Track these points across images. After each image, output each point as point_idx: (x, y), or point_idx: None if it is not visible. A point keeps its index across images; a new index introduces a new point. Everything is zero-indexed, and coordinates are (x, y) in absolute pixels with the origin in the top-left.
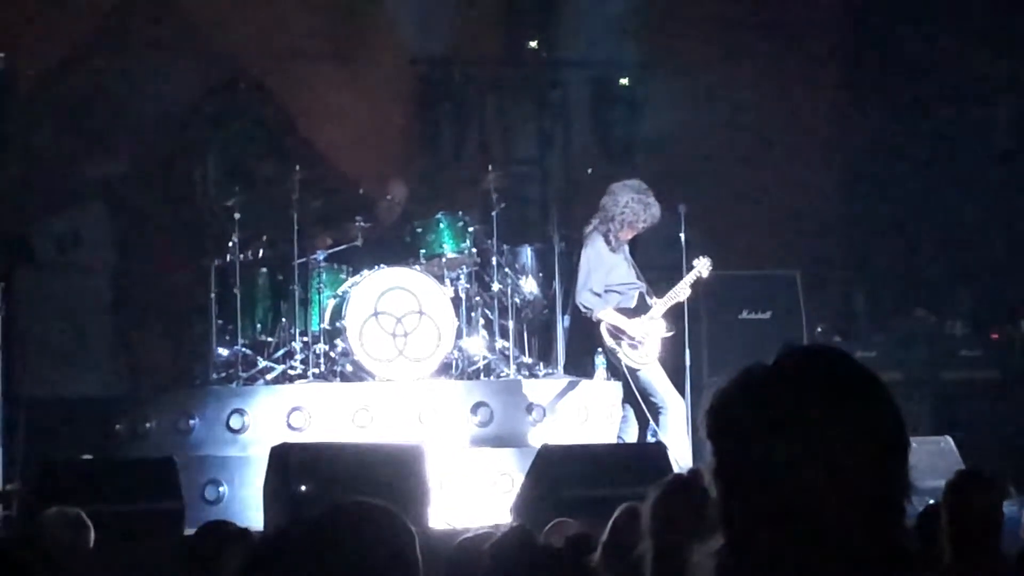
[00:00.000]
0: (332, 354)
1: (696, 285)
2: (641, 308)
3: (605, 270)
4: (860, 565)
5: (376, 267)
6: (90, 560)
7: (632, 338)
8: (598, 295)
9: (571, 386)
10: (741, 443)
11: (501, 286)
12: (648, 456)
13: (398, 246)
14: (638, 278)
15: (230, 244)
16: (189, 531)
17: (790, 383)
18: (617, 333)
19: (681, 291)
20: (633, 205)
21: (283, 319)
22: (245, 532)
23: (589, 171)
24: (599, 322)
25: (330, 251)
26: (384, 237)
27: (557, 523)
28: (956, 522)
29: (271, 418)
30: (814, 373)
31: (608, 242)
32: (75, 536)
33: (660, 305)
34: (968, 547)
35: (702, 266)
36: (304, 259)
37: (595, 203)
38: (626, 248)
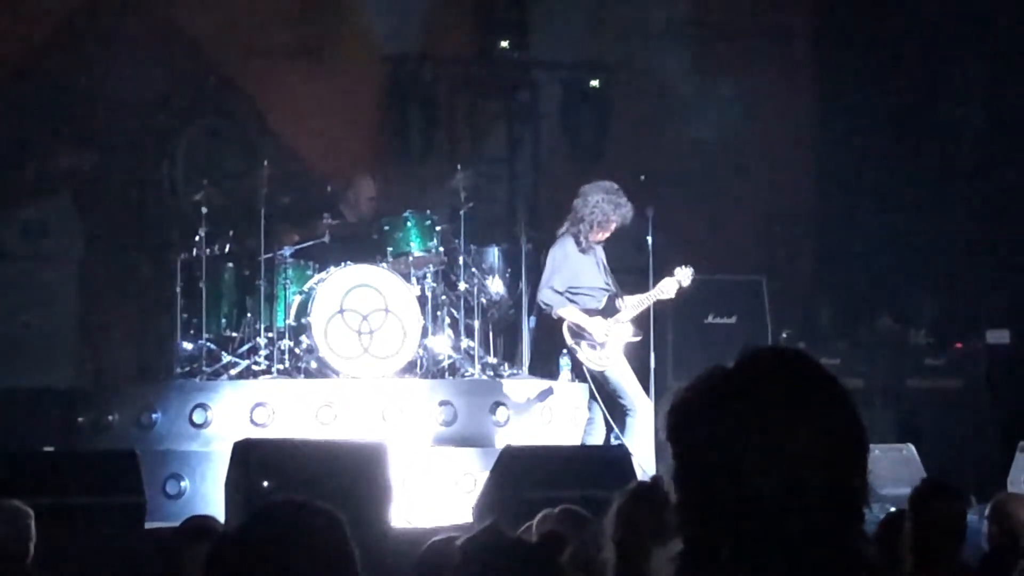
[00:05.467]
0: (297, 350)
1: (679, 293)
2: (610, 311)
3: (572, 271)
4: (818, 569)
5: (343, 264)
6: (31, 552)
7: (593, 338)
8: (559, 293)
9: (535, 387)
10: (700, 446)
11: (468, 285)
12: (611, 459)
13: (365, 244)
14: (610, 282)
15: (196, 238)
16: (150, 525)
17: (750, 385)
18: (578, 332)
19: (652, 297)
20: (603, 205)
21: (248, 314)
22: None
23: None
24: (561, 321)
25: (297, 247)
26: (351, 234)
27: (544, 515)
28: (920, 530)
29: (234, 413)
30: (775, 375)
31: (579, 243)
32: (15, 529)
33: (628, 309)
34: (931, 555)
35: (683, 276)
36: (271, 255)
37: (563, 204)
38: (598, 251)
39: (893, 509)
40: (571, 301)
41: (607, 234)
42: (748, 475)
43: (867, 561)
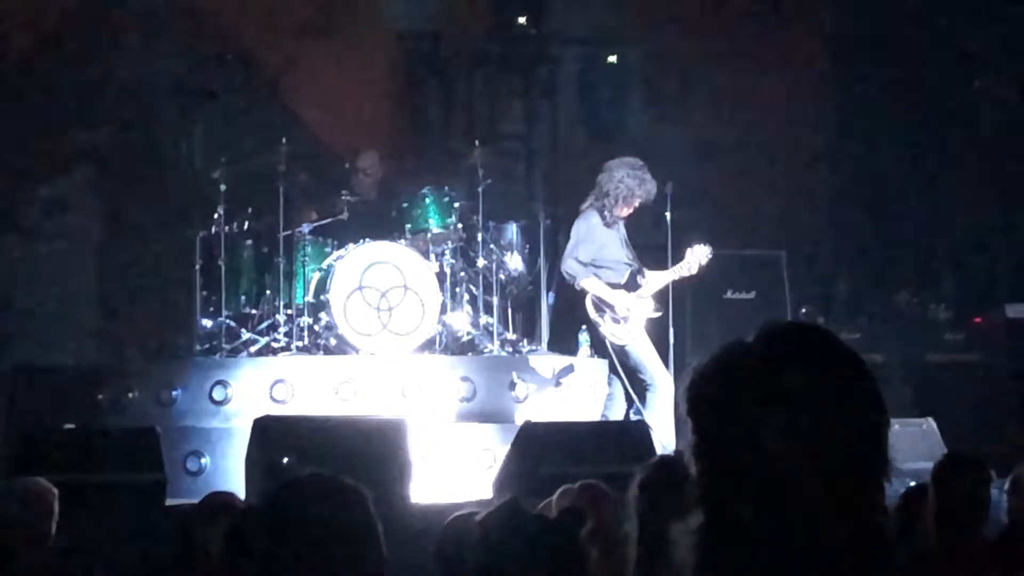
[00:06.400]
0: (316, 327)
1: (700, 270)
2: (632, 286)
3: (596, 244)
4: (838, 542)
5: (361, 241)
6: (52, 531)
7: (615, 312)
8: (583, 264)
9: (555, 363)
10: (720, 420)
11: (486, 262)
12: (630, 435)
13: (384, 221)
14: (632, 258)
15: (215, 216)
16: (170, 502)
17: (770, 359)
18: (600, 305)
19: (674, 274)
20: (628, 181)
21: (267, 291)
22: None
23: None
24: (584, 294)
25: (315, 224)
26: (370, 211)
27: (564, 491)
28: (943, 504)
29: (254, 390)
30: (794, 350)
31: (603, 218)
32: (43, 507)
33: (650, 285)
34: (953, 529)
35: (701, 253)
36: (289, 232)
37: (581, 180)
38: (621, 226)
39: (913, 483)
40: (594, 274)
41: (631, 210)
42: (768, 450)
43: (885, 534)
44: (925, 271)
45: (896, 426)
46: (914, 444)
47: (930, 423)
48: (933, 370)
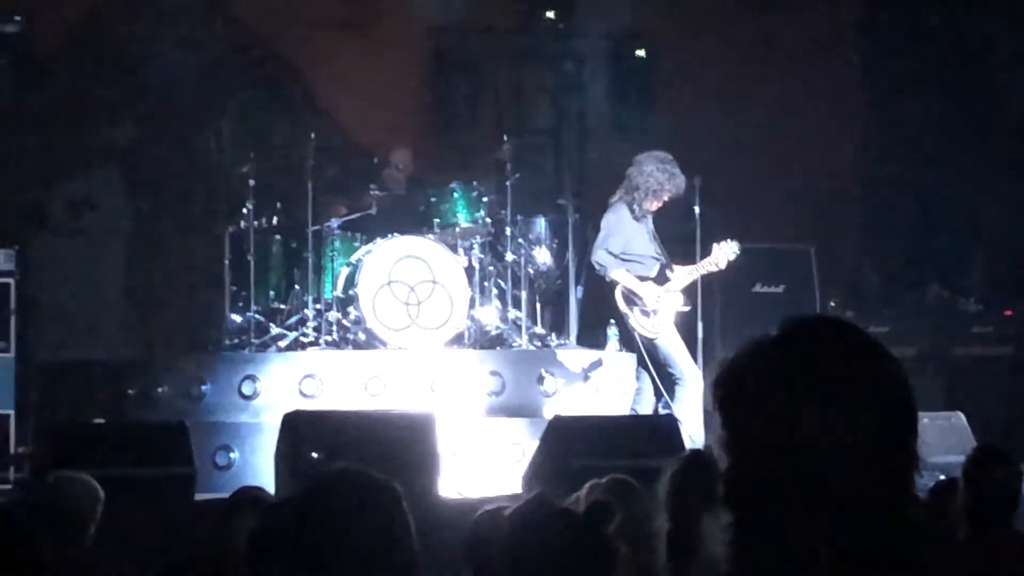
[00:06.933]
0: (345, 322)
1: (728, 265)
2: (660, 280)
3: (625, 237)
4: (871, 535)
5: (390, 236)
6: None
7: (645, 305)
8: (613, 256)
9: (583, 357)
10: (748, 414)
11: (514, 256)
12: (659, 428)
13: (412, 215)
14: (660, 252)
15: (244, 211)
16: (199, 496)
17: (800, 353)
18: (630, 298)
19: (702, 269)
20: (657, 175)
21: (296, 286)
22: (260, 501)
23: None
24: (613, 285)
25: (344, 219)
26: (398, 206)
27: (592, 485)
28: (974, 497)
29: (283, 385)
30: (823, 343)
31: (632, 211)
32: (87, 504)
33: (679, 279)
34: (984, 522)
35: (729, 250)
36: (318, 227)
37: (609, 174)
38: (650, 220)
39: (943, 477)
40: (623, 267)
41: (659, 203)
42: (798, 443)
43: (918, 527)
44: (954, 264)
45: (925, 420)
46: (943, 438)
47: (959, 416)
48: (962, 363)
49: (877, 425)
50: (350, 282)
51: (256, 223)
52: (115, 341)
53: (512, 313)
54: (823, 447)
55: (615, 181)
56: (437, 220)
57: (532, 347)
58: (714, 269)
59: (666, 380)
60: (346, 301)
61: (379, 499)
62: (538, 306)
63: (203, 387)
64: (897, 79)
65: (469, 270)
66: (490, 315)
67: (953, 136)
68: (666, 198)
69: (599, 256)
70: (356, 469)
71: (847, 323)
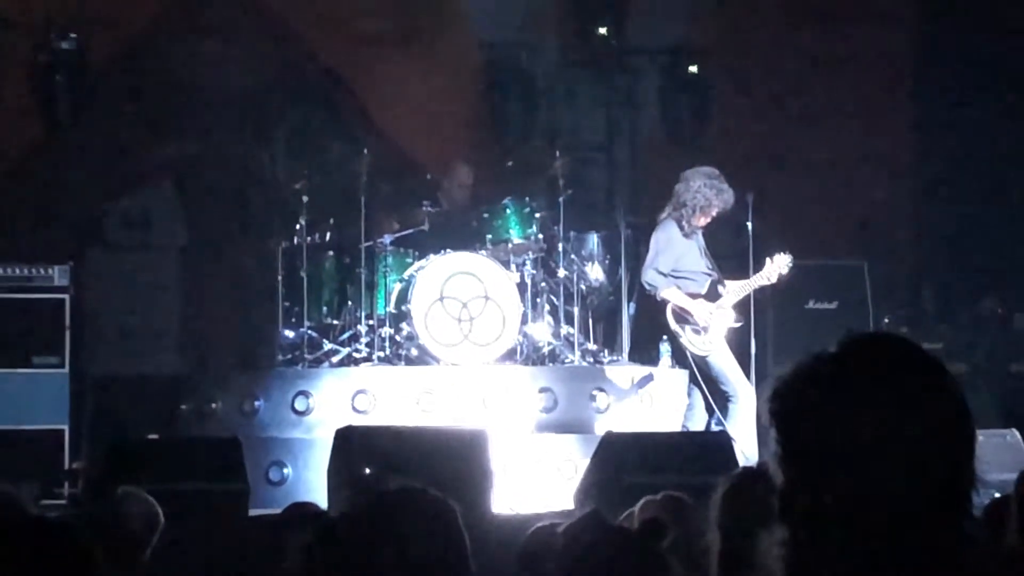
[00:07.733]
0: (397, 338)
1: (780, 279)
2: (712, 296)
3: (675, 254)
4: (929, 553)
5: (442, 251)
6: (155, 551)
7: (696, 323)
8: (663, 274)
9: (636, 373)
10: (806, 431)
11: (567, 272)
12: (712, 445)
13: (465, 231)
14: (712, 267)
15: (297, 227)
16: (253, 511)
17: (857, 370)
18: (682, 315)
19: (755, 283)
20: (705, 191)
21: (349, 302)
22: (318, 515)
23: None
24: (664, 304)
25: (397, 235)
26: (451, 222)
27: (646, 502)
28: None
29: (336, 401)
30: (880, 360)
31: (681, 228)
32: (148, 525)
33: (731, 295)
34: None
35: (782, 263)
36: (371, 242)
37: (662, 190)
38: (700, 236)
39: (998, 495)
40: (674, 285)
41: (708, 219)
42: (855, 460)
43: (976, 545)
44: (1009, 280)
45: (980, 437)
46: (998, 455)
47: (1014, 434)
48: (1018, 380)
49: (935, 441)
50: (403, 298)
51: (309, 239)
52: (169, 357)
53: (564, 329)
54: (881, 463)
55: (668, 197)
56: (489, 236)
57: (584, 363)
58: (767, 283)
59: (718, 397)
60: (399, 317)
61: (438, 518)
62: (590, 322)
63: (256, 403)
64: (952, 92)
65: (521, 286)
66: (542, 331)
67: (1008, 150)
68: (715, 213)
69: (649, 276)
70: (415, 487)
71: (905, 339)
